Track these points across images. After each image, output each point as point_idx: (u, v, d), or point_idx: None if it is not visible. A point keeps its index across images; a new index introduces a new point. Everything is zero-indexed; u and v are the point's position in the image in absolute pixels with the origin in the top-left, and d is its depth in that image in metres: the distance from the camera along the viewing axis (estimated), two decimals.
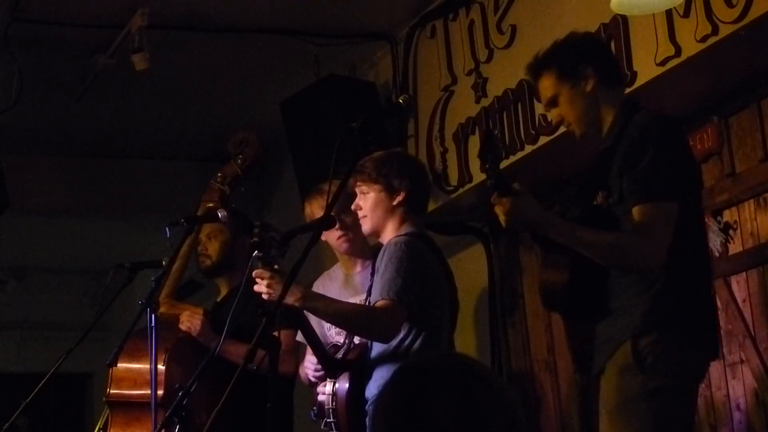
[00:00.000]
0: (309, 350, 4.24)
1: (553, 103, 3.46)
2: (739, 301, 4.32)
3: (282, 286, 3.37)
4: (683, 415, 3.24)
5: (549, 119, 3.58)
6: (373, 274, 4.16)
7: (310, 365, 4.11)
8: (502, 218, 3.25)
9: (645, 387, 3.15)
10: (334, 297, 4.27)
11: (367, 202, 3.97)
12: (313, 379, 4.11)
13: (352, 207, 4.04)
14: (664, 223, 3.18)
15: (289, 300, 3.60)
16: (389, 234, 3.96)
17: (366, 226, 4.01)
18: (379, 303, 3.77)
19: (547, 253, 3.42)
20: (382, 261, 3.82)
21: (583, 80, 3.39)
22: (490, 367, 5.26)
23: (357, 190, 4.00)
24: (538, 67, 3.48)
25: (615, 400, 3.22)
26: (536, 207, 3.24)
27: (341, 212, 4.17)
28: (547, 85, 3.45)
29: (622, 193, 3.24)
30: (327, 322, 4.04)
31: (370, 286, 4.14)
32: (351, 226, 4.24)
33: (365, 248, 4.35)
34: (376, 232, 4.00)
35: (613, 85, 3.45)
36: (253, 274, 3.71)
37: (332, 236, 4.27)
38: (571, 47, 3.47)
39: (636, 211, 3.20)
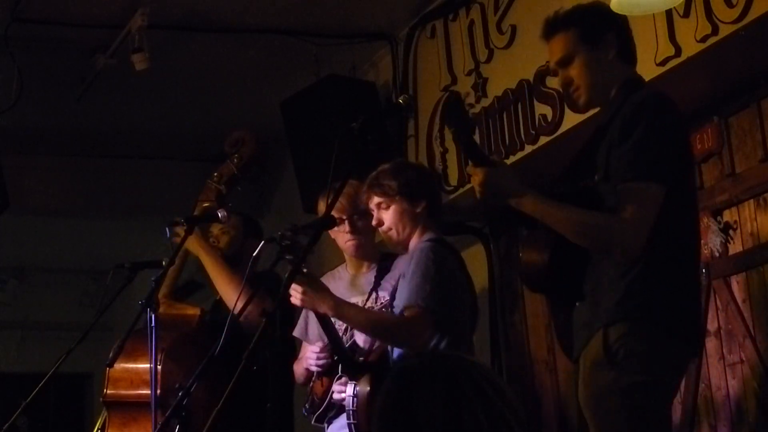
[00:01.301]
0: (305, 344, 4.34)
1: (565, 62, 3.30)
2: (739, 301, 4.32)
3: (316, 295, 3.69)
4: (658, 410, 3.10)
5: (556, 76, 3.40)
6: (379, 276, 4.23)
7: (312, 354, 4.14)
8: (476, 189, 3.18)
9: (617, 383, 3.04)
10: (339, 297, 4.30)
11: (389, 215, 3.97)
12: (313, 369, 4.15)
13: (373, 223, 4.04)
14: (646, 205, 3.05)
15: (321, 308, 3.78)
16: (414, 242, 3.98)
17: (393, 241, 4.01)
18: (408, 311, 3.79)
19: (530, 231, 3.32)
20: (410, 265, 3.84)
21: (605, 47, 3.26)
22: (490, 367, 5.26)
23: (373, 205, 4.00)
24: (558, 23, 3.31)
25: (586, 394, 3.13)
26: (510, 179, 3.15)
27: (354, 215, 4.20)
28: (563, 44, 3.29)
29: (608, 171, 3.12)
30: (357, 330, 4.06)
31: (372, 288, 4.21)
32: (362, 230, 4.25)
33: (373, 251, 4.37)
34: (404, 244, 4.00)
35: (627, 62, 3.32)
36: (292, 286, 3.80)
37: (341, 238, 4.28)
38: (598, 12, 3.34)
39: (620, 190, 3.07)
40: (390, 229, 3.97)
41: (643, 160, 3.06)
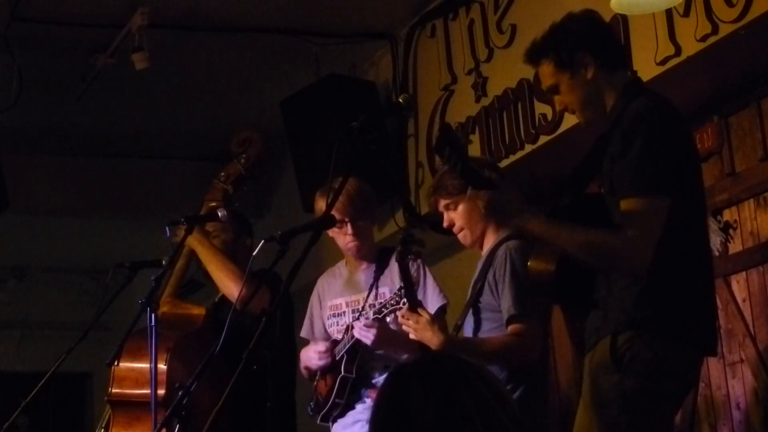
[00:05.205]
0: (313, 341, 4.36)
1: (554, 90, 3.32)
2: (739, 301, 4.32)
3: (427, 331, 3.67)
4: (659, 419, 3.08)
5: (553, 107, 3.44)
6: (378, 272, 4.23)
7: (313, 354, 4.18)
8: (481, 211, 3.22)
9: (620, 387, 3.02)
10: (337, 294, 4.33)
11: (458, 215, 3.95)
12: (314, 367, 4.19)
13: (444, 225, 4.02)
14: (650, 221, 3.01)
15: (432, 345, 3.71)
16: (490, 239, 3.96)
17: (467, 240, 3.98)
18: (517, 327, 3.75)
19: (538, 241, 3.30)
20: (503, 268, 3.81)
21: (582, 68, 3.23)
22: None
23: (441, 208, 3.98)
24: (536, 54, 3.34)
25: (589, 396, 3.12)
26: (513, 199, 3.15)
27: (356, 218, 4.20)
28: (546, 74, 3.31)
29: (613, 184, 3.10)
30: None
31: (372, 285, 4.22)
32: (362, 231, 4.26)
33: (371, 251, 4.36)
34: (479, 242, 3.98)
35: (615, 69, 3.27)
36: (399, 316, 3.83)
37: (342, 240, 4.28)
38: (568, 34, 3.29)
39: (623, 205, 3.04)
40: (462, 229, 3.96)
41: (646, 174, 3.02)
